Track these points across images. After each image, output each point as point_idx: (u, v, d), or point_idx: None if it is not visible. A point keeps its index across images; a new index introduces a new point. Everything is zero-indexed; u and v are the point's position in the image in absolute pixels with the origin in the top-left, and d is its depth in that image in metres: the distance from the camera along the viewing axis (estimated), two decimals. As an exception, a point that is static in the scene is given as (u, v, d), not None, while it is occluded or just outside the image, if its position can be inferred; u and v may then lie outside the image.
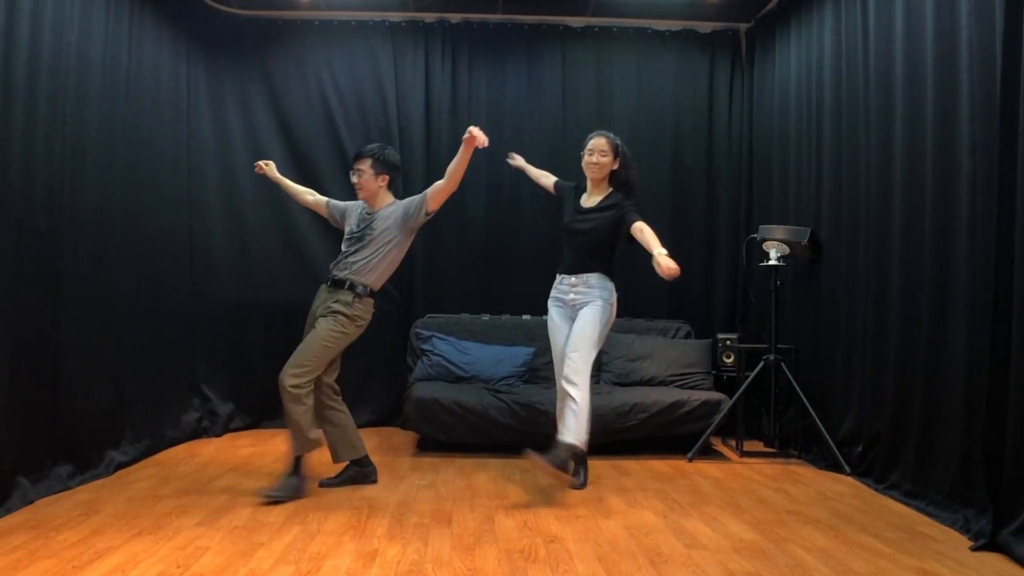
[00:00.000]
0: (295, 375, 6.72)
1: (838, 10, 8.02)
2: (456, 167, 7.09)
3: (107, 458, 7.41)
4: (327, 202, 7.69)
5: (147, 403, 8.19)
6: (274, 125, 9.85)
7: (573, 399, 6.97)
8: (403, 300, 10.00)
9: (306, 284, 9.17)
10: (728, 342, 9.32)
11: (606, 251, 7.41)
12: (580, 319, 7.29)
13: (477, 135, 6.88)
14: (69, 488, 6.76)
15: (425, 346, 9.33)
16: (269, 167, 7.80)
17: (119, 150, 7.76)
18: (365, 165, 7.24)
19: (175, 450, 8.50)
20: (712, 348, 9.40)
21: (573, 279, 7.42)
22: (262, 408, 9.67)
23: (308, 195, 7.81)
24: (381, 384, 9.80)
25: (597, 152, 7.39)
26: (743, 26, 10.22)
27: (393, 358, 9.75)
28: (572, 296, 7.41)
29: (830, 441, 7.77)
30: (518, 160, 8.41)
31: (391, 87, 9.99)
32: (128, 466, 7.64)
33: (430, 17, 10.03)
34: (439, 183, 7.20)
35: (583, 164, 7.49)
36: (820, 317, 8.33)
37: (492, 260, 9.99)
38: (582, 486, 7.13)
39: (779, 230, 8.45)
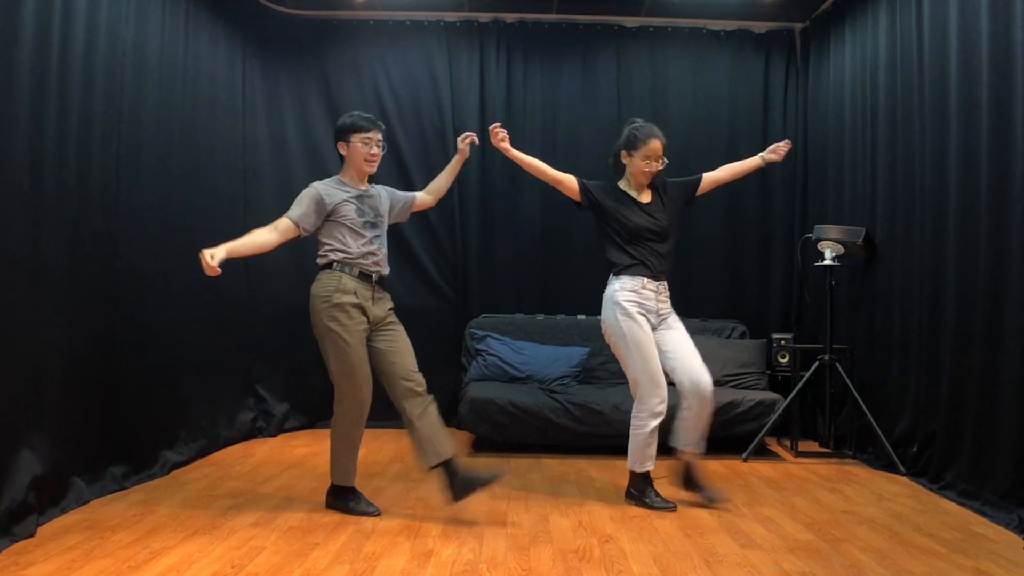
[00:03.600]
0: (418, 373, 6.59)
1: (893, 10, 7.99)
2: (444, 183, 7.07)
3: (162, 458, 7.48)
4: (293, 220, 6.43)
5: (202, 404, 8.26)
6: (329, 125, 9.83)
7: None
8: (458, 300, 10.05)
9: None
10: (783, 342, 9.31)
11: (673, 249, 6.92)
12: (683, 332, 6.80)
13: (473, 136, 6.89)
14: (124, 488, 6.82)
15: (480, 346, 9.37)
16: (214, 259, 6.16)
17: (175, 150, 7.84)
18: (381, 137, 6.62)
19: (230, 450, 8.58)
20: (767, 348, 9.39)
21: (657, 285, 6.74)
22: (317, 408, 9.76)
23: (270, 234, 6.47)
24: (436, 384, 9.74)
25: (655, 159, 6.73)
26: (798, 26, 10.20)
27: (448, 358, 9.79)
28: (658, 305, 6.74)
29: (885, 441, 7.75)
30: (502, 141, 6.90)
31: (446, 87, 10.06)
32: (183, 466, 7.71)
33: (485, 17, 10.08)
34: (426, 198, 7.08)
35: (638, 170, 6.78)
36: (875, 317, 8.31)
37: (547, 260, 10.01)
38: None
39: (834, 230, 8.43)
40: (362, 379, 6.40)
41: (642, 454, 6.61)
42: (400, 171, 9.81)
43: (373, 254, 6.44)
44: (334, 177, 6.60)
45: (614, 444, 8.09)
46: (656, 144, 6.70)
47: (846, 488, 7.18)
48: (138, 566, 5.06)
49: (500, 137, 6.76)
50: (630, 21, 10.20)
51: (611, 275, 6.82)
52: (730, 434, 8.25)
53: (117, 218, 6.91)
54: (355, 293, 6.33)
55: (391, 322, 6.61)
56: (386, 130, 9.73)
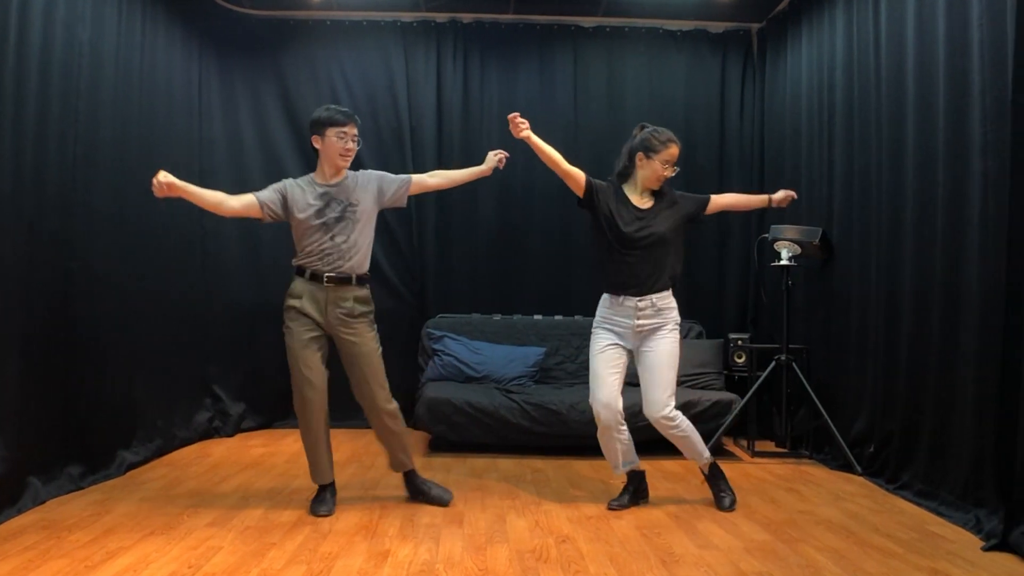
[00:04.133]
0: (389, 397, 6.70)
1: (850, 10, 8.02)
2: (459, 180, 6.96)
3: (119, 458, 7.43)
4: (259, 199, 6.44)
5: (159, 403, 8.22)
6: (286, 125, 9.90)
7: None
8: (414, 300, 10.03)
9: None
10: (740, 342, 9.33)
11: (676, 261, 6.62)
12: (659, 354, 6.42)
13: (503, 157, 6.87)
14: (81, 488, 6.79)
15: (436, 346, 9.35)
16: (167, 178, 6.17)
17: (132, 150, 7.80)
18: (356, 131, 6.56)
19: (186, 450, 8.53)
20: (724, 348, 9.40)
21: (639, 300, 6.42)
22: (273, 408, 9.75)
23: (230, 199, 6.48)
24: (392, 384, 9.77)
25: (671, 166, 6.53)
26: (755, 26, 10.23)
27: (405, 358, 9.77)
28: (640, 322, 6.44)
29: (842, 441, 7.77)
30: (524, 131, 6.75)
31: (402, 87, 10.02)
32: (139, 466, 7.67)
33: (442, 17, 10.05)
34: (429, 180, 6.91)
35: (652, 173, 6.56)
36: (832, 317, 8.33)
37: (503, 260, 10.00)
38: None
39: (791, 230, 8.45)
40: (302, 382, 6.38)
41: (609, 459, 6.69)
42: (356, 171, 9.75)
43: (329, 253, 6.35)
44: (309, 175, 6.58)
45: (571, 444, 8.13)
46: (675, 150, 6.55)
47: (803, 488, 7.19)
48: (95, 566, 5.04)
49: (522, 129, 6.64)
50: (587, 21, 10.20)
51: None
52: (687, 434, 8.28)
53: (73, 218, 6.88)
54: (301, 297, 6.34)
55: (344, 327, 6.48)
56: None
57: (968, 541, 5.70)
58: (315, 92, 9.93)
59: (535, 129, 9.66)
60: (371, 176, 6.72)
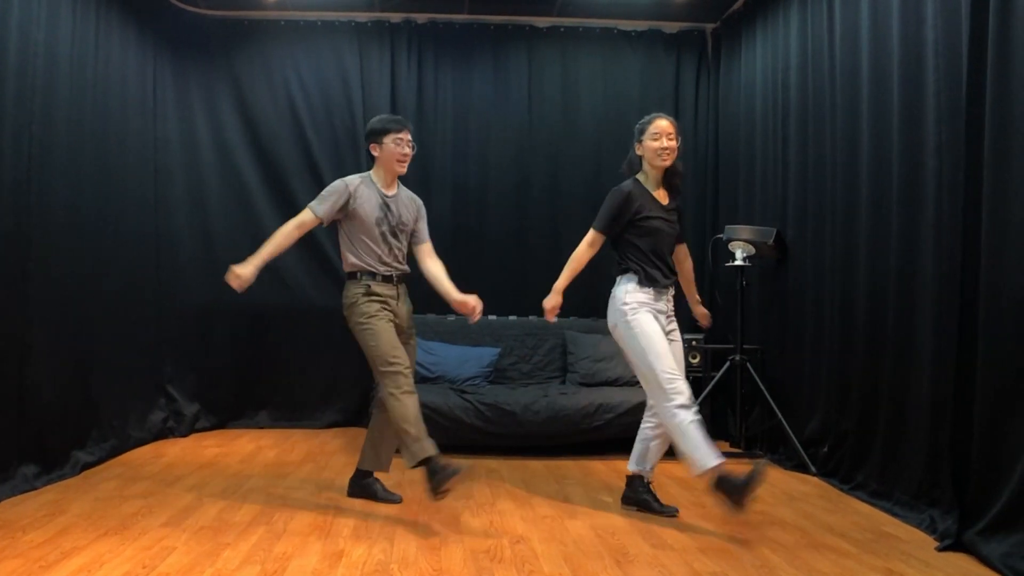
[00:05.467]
0: None
1: (804, 10, 8.04)
2: (437, 282, 6.87)
3: (73, 458, 7.38)
4: (321, 216, 6.52)
5: (113, 404, 8.17)
6: (240, 125, 9.84)
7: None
8: (368, 300, 9.94)
9: (273, 285, 9.18)
10: (694, 343, 9.31)
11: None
12: (677, 343, 6.50)
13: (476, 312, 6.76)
14: (35, 488, 6.73)
15: (391, 347, 9.29)
16: (242, 270, 6.50)
17: (87, 150, 7.76)
18: (410, 136, 6.67)
19: (141, 450, 8.45)
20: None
21: (670, 285, 6.52)
22: (228, 409, 9.73)
23: (295, 231, 6.66)
24: (348, 384, 9.79)
25: (664, 135, 6.34)
26: (709, 26, 10.25)
27: (360, 358, 9.71)
28: (667, 307, 6.49)
29: (796, 441, 7.79)
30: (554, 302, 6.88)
31: (357, 87, 9.97)
32: (94, 466, 7.61)
33: (396, 17, 10.01)
34: (424, 261, 6.92)
35: (649, 151, 6.42)
36: (786, 317, 8.35)
37: (457, 260, 9.87)
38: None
39: (745, 230, 8.46)
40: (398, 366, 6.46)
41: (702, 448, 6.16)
42: (311, 171, 9.74)
43: (392, 253, 6.65)
44: (368, 176, 6.69)
45: (525, 444, 8.14)
46: (661, 121, 6.38)
47: (757, 488, 7.20)
48: (49, 566, 5.01)
49: (553, 316, 6.85)
50: (541, 21, 10.19)
51: (619, 277, 6.59)
52: (641, 435, 8.27)
53: (29, 218, 6.84)
54: (383, 296, 6.60)
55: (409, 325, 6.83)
56: (296, 130, 9.68)
57: (922, 541, 5.72)
58: (270, 92, 9.90)
59: (489, 130, 9.68)
60: (418, 203, 6.94)
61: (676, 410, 5.98)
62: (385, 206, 6.56)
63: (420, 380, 8.88)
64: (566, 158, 10.03)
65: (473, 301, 6.66)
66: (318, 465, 7.87)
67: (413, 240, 6.85)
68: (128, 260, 8.55)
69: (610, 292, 6.61)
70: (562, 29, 10.18)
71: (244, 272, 6.39)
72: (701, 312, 7.13)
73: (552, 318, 6.76)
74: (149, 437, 8.85)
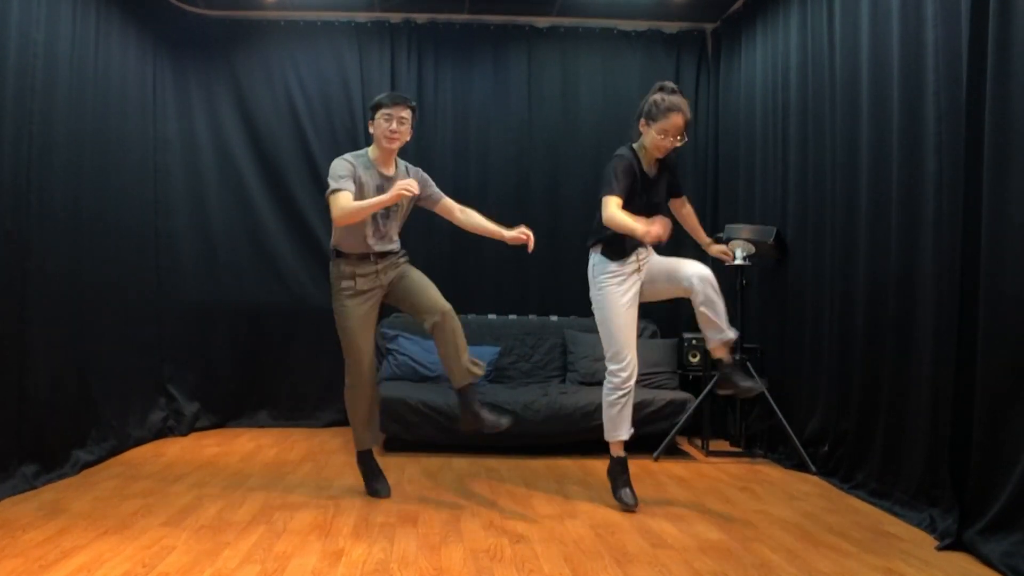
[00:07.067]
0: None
1: (804, 11, 8.04)
2: (479, 227, 7.00)
3: (73, 458, 7.36)
4: (347, 185, 6.39)
5: (113, 403, 8.15)
6: (240, 125, 9.84)
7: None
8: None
9: (272, 284, 9.19)
10: (694, 341, 9.30)
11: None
12: (658, 266, 6.67)
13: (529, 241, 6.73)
14: (35, 488, 6.71)
15: (391, 345, 9.32)
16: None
17: (86, 150, 7.74)
18: (408, 114, 6.57)
19: (141, 450, 8.44)
20: (678, 348, 9.41)
21: (642, 253, 6.64)
22: (228, 408, 9.71)
23: (352, 205, 6.37)
24: (344, 384, 9.78)
25: (673, 135, 6.36)
26: (709, 26, 10.24)
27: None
28: (636, 264, 6.62)
29: (796, 441, 7.79)
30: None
31: (357, 87, 9.96)
32: (94, 466, 7.59)
33: (396, 17, 10.00)
34: (456, 210, 7.00)
35: (651, 140, 6.42)
36: (786, 317, 8.35)
37: (456, 259, 9.97)
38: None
39: (745, 230, 8.46)
40: (360, 354, 6.75)
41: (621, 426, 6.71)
42: (310, 171, 9.74)
43: (378, 232, 6.66)
44: (365, 152, 6.72)
45: (525, 443, 8.13)
46: (677, 119, 6.31)
47: (757, 487, 7.20)
48: (49, 565, 4.99)
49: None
50: (541, 21, 10.19)
51: (591, 247, 6.75)
52: (641, 433, 8.19)
53: (28, 218, 6.82)
54: (353, 279, 6.66)
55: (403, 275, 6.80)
56: (296, 130, 9.66)
57: (922, 540, 5.72)
58: (270, 92, 9.89)
59: (489, 130, 9.69)
60: (419, 175, 6.87)
61: (612, 386, 6.58)
62: (381, 189, 6.50)
63: (420, 379, 8.92)
64: (566, 158, 10.02)
65: (525, 231, 6.69)
66: (318, 464, 7.87)
67: (430, 205, 6.94)
68: (128, 260, 8.55)
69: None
70: (562, 29, 10.17)
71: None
72: (719, 249, 7.18)
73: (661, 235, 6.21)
74: (149, 436, 8.83)
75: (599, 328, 6.70)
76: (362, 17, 9.99)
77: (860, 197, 7.02)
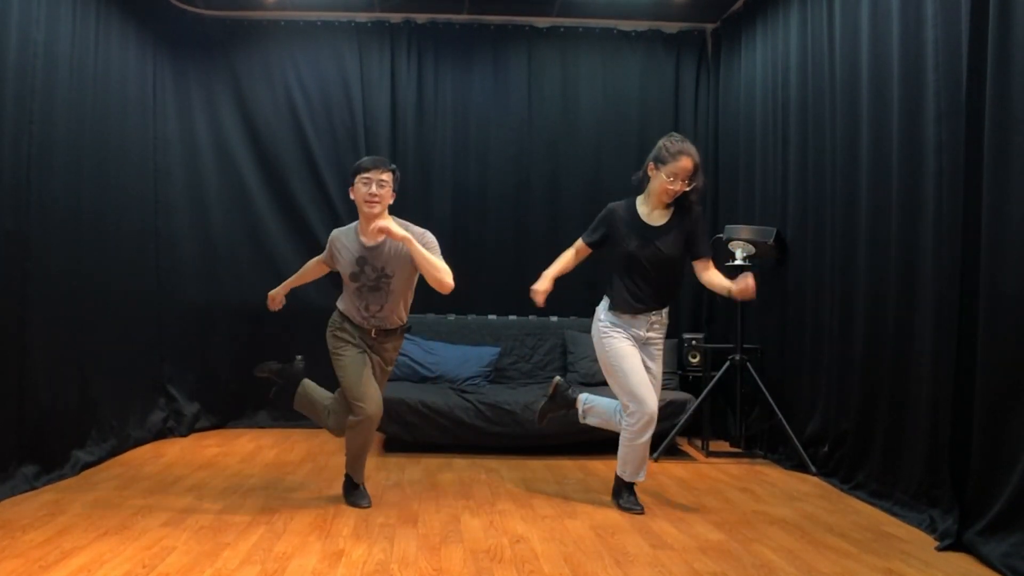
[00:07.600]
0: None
1: (804, 10, 8.04)
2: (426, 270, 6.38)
3: (73, 458, 7.37)
4: (325, 263, 6.81)
5: (113, 403, 8.16)
6: (240, 125, 9.84)
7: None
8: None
9: (272, 284, 9.13)
10: (694, 342, 9.31)
11: (681, 277, 6.74)
12: (656, 366, 6.64)
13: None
14: (35, 488, 6.73)
15: (391, 346, 9.30)
16: (275, 293, 7.24)
17: (86, 150, 7.74)
18: (388, 177, 6.38)
19: (141, 450, 8.45)
20: (678, 348, 9.39)
21: (653, 317, 6.56)
22: (228, 408, 9.74)
23: (315, 270, 7.02)
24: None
25: (681, 179, 6.30)
26: (709, 26, 10.24)
27: (359, 359, 9.75)
28: (650, 334, 6.58)
29: (796, 441, 7.78)
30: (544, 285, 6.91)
31: (357, 87, 9.96)
32: (94, 466, 7.60)
33: (396, 17, 10.01)
34: (439, 273, 6.35)
35: (658, 185, 6.39)
36: (786, 317, 8.35)
37: (457, 260, 9.84)
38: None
39: (745, 230, 8.46)
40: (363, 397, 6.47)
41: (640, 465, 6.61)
42: (310, 171, 9.76)
43: (368, 310, 6.52)
44: (355, 225, 6.61)
45: (525, 444, 8.14)
46: (686, 163, 6.27)
47: (757, 488, 7.20)
48: (49, 566, 5.01)
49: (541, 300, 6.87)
50: (541, 21, 10.19)
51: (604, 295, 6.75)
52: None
53: (28, 218, 6.83)
54: (346, 330, 6.60)
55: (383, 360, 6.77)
56: (296, 130, 9.66)
57: (922, 541, 5.72)
58: (270, 92, 9.90)
59: (489, 130, 9.70)
60: (424, 236, 6.49)
61: (642, 425, 6.38)
62: (361, 260, 6.43)
63: (420, 380, 8.91)
64: (566, 158, 10.01)
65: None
66: (318, 465, 7.87)
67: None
68: (128, 260, 8.54)
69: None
70: (562, 29, 10.17)
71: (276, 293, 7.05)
72: (737, 288, 6.53)
73: (541, 301, 6.79)
74: (149, 437, 8.85)
75: (609, 380, 6.61)
76: (362, 17, 9.98)
77: (860, 197, 7.02)
